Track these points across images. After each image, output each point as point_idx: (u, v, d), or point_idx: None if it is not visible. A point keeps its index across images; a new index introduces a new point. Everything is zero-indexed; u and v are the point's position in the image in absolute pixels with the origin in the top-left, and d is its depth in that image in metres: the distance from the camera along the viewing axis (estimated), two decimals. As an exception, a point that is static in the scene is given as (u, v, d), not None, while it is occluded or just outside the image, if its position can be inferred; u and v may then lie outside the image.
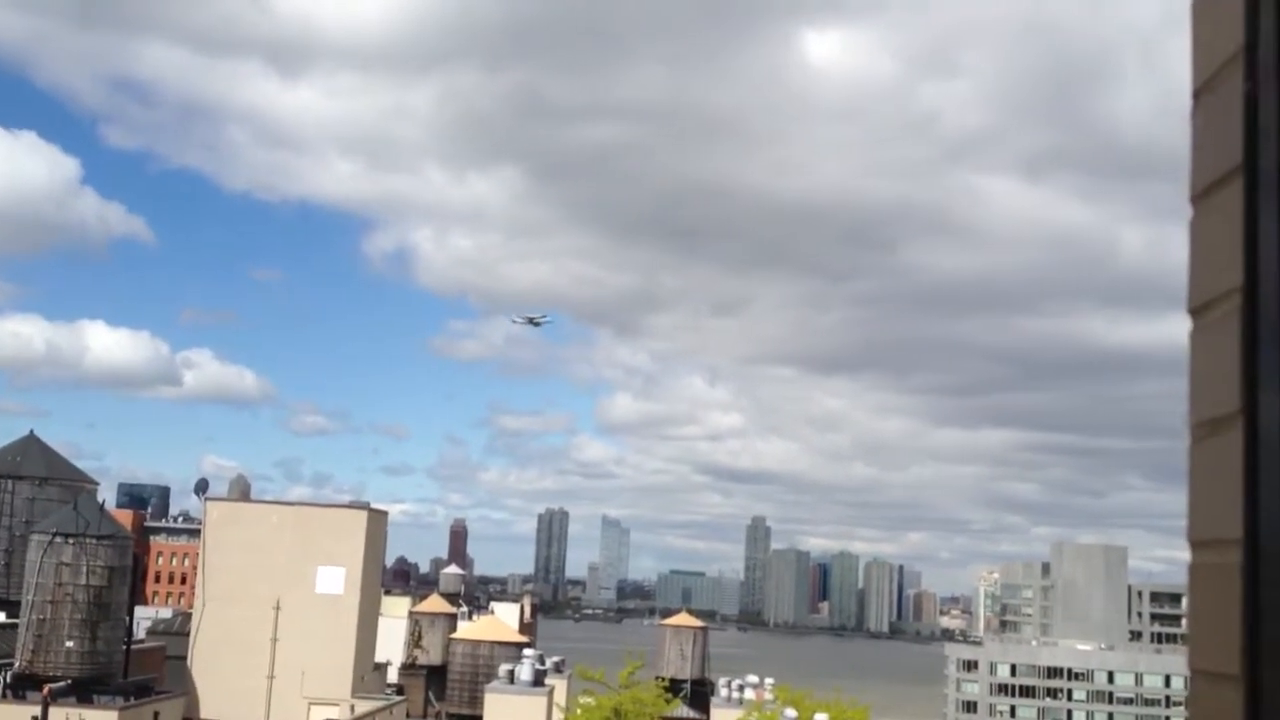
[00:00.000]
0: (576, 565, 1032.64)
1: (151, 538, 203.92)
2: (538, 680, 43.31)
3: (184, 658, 49.92)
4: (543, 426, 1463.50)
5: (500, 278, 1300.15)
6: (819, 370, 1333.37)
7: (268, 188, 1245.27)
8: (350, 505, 56.80)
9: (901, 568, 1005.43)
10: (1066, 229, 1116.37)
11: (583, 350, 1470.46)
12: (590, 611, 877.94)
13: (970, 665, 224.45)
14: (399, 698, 55.02)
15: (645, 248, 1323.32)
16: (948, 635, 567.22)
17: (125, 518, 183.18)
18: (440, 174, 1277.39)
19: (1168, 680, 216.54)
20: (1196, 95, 2.47)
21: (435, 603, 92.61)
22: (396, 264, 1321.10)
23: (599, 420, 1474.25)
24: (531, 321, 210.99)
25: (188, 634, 51.70)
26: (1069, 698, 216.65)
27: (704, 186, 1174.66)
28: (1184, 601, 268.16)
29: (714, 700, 55.81)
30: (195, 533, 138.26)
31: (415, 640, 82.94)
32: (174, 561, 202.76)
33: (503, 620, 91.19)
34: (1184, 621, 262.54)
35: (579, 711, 46.31)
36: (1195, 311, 2.37)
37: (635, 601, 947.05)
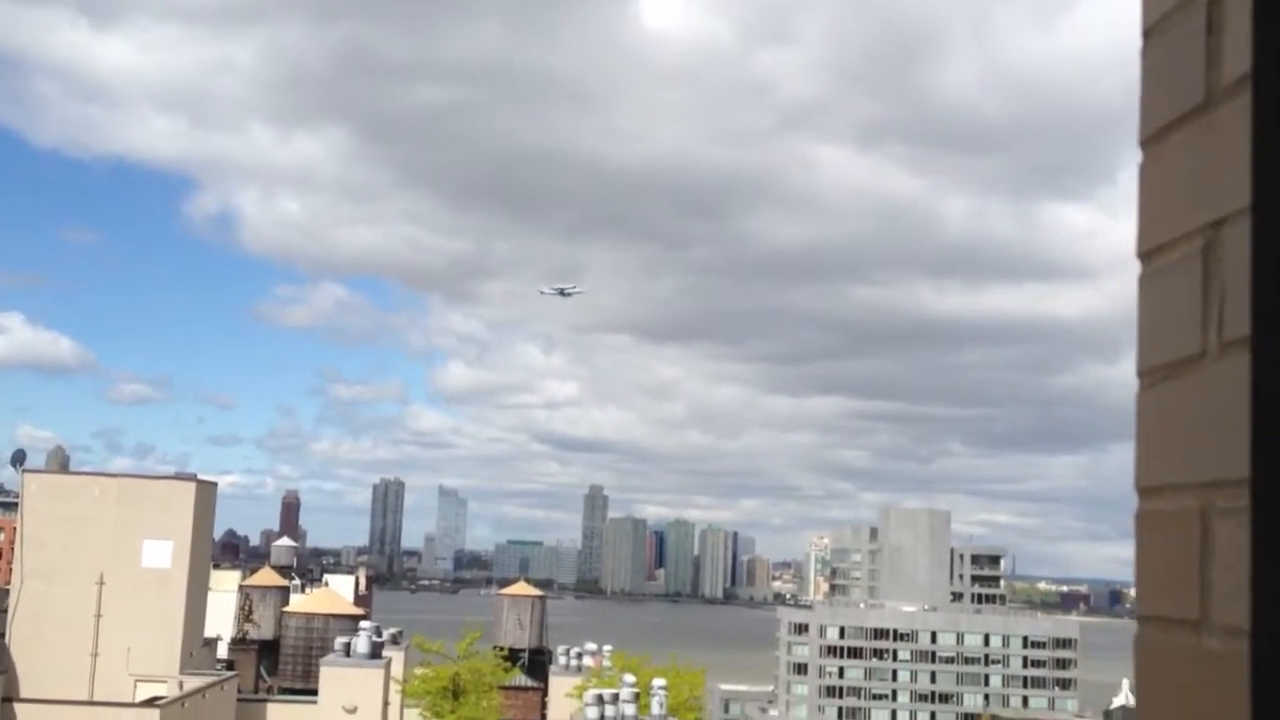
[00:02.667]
0: (413, 536, 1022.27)
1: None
2: (374, 653, 42.90)
3: (1, 635, 47.94)
4: (376, 395, 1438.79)
5: (329, 242, 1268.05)
6: (654, 338, 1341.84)
7: (80, 144, 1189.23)
8: (176, 477, 55.16)
9: (735, 534, 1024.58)
10: (895, 199, 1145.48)
11: (415, 317, 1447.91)
12: (427, 583, 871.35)
13: (801, 628, 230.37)
14: (230, 673, 53.82)
15: (479, 213, 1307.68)
16: (780, 600, 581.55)
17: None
18: (265, 133, 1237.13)
19: (986, 639, 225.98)
20: (1147, 34, 2.39)
21: (267, 576, 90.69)
22: (220, 227, 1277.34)
23: (433, 389, 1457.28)
24: (562, 292, 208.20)
25: (5, 611, 49.64)
26: (894, 658, 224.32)
27: (539, 151, 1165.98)
28: (1002, 563, 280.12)
29: (552, 669, 56.12)
30: (11, 506, 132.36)
31: (246, 614, 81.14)
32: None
33: (337, 593, 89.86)
34: (1002, 583, 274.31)
35: (416, 683, 46.03)
36: (1147, 255, 2.32)
37: (473, 572, 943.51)
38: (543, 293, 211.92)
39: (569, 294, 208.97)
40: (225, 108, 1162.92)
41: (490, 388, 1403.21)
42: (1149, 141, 2.32)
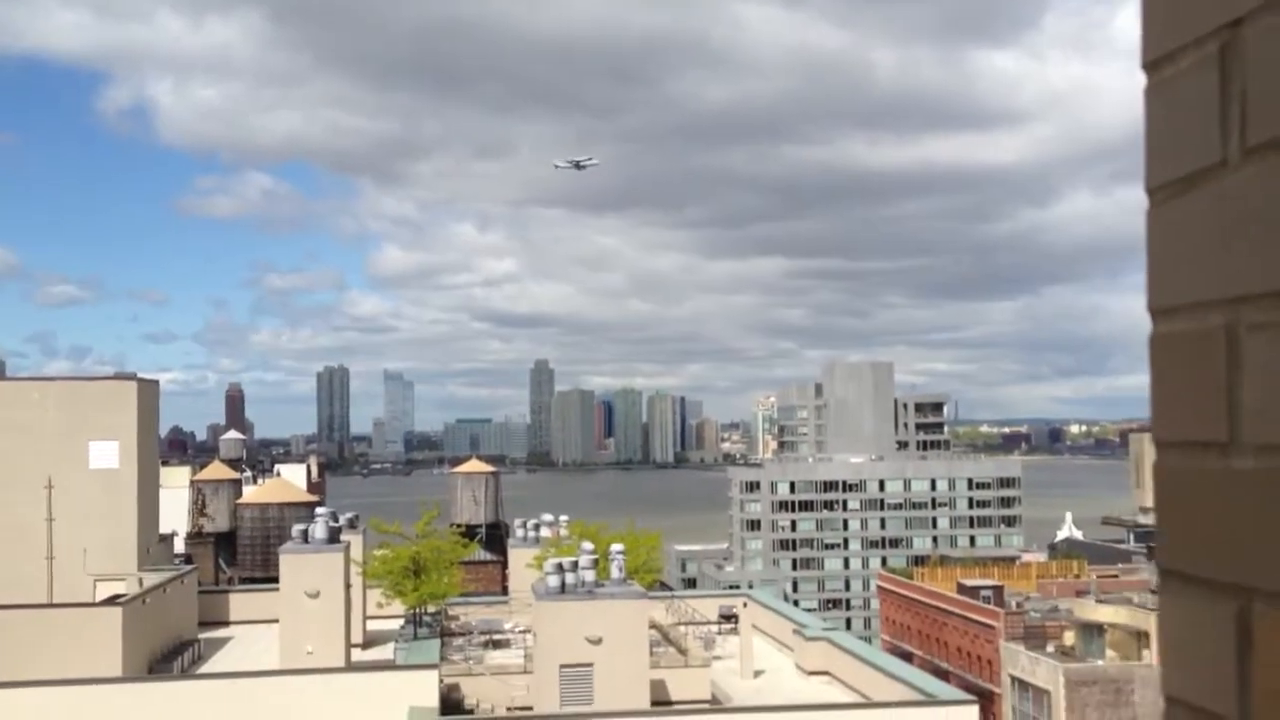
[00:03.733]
0: (361, 422, 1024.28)
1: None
2: (332, 537, 43.03)
3: (-49, 547, 47.65)
4: (311, 283, 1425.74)
5: (250, 129, 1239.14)
6: (589, 210, 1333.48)
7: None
8: (116, 377, 54.40)
9: (683, 399, 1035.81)
10: (822, 52, 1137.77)
11: (344, 202, 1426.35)
12: (379, 466, 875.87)
13: (752, 486, 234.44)
14: (188, 567, 53.94)
15: (403, 92, 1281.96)
16: (730, 460, 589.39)
17: None
18: (176, 20, 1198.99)
19: (933, 484, 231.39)
20: None
21: (217, 469, 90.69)
22: (136, 120, 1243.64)
23: (370, 274, 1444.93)
24: (577, 165, 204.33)
25: (-48, 523, 49.25)
26: (844, 508, 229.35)
27: (460, 24, 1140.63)
28: (944, 410, 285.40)
29: (510, 542, 56.70)
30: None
31: (199, 509, 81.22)
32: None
33: (290, 482, 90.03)
34: (945, 429, 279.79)
35: (376, 564, 46.38)
36: (1153, 65, 2.19)
37: (424, 453, 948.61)
38: (557, 166, 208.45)
39: (584, 166, 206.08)
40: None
41: (427, 269, 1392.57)
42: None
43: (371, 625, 48.72)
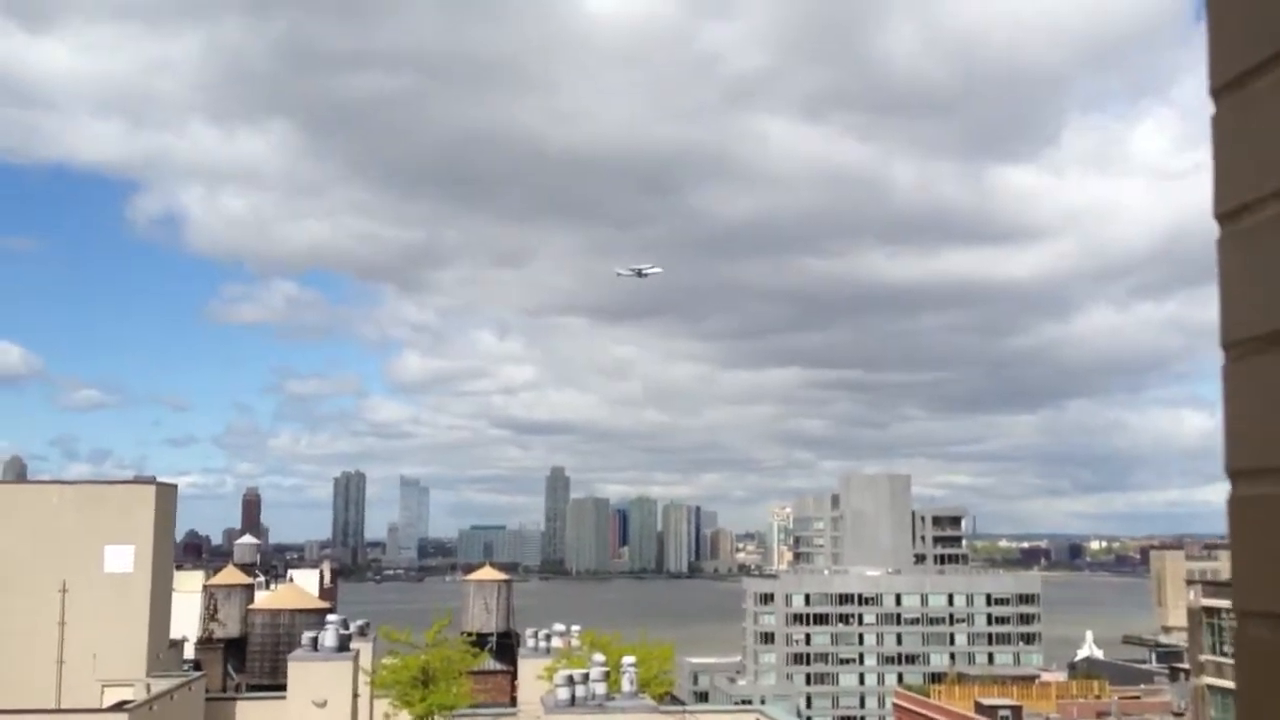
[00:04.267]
0: (376, 527, 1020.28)
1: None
2: (342, 645, 42.91)
3: (-37, 649, 47.62)
4: (332, 389, 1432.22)
5: (277, 238, 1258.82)
6: (608, 319, 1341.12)
7: (16, 150, 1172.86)
8: (135, 480, 54.83)
9: (698, 509, 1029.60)
10: (844, 167, 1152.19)
11: (367, 309, 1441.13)
12: (391, 572, 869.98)
13: (767, 598, 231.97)
14: (197, 673, 53.66)
15: (425, 201, 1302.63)
16: (744, 571, 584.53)
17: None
18: (208, 131, 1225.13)
19: (950, 599, 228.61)
20: None
21: (230, 574, 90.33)
22: (164, 228, 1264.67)
23: (390, 379, 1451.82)
24: (638, 273, 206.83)
25: (-35, 625, 49.29)
26: (860, 622, 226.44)
27: (483, 136, 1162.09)
28: (963, 523, 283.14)
29: (521, 651, 56.28)
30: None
31: (211, 614, 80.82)
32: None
33: (302, 587, 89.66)
34: (964, 543, 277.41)
35: (385, 673, 46.12)
36: (1228, 216, 2.09)
37: (437, 559, 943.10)
38: (619, 274, 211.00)
39: (646, 274, 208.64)
40: (165, 107, 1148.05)
41: (446, 375, 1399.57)
42: (1225, 89, 2.03)
43: (379, 735, 48.23)
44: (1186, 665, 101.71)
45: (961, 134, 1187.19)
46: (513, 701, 57.54)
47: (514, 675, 61.15)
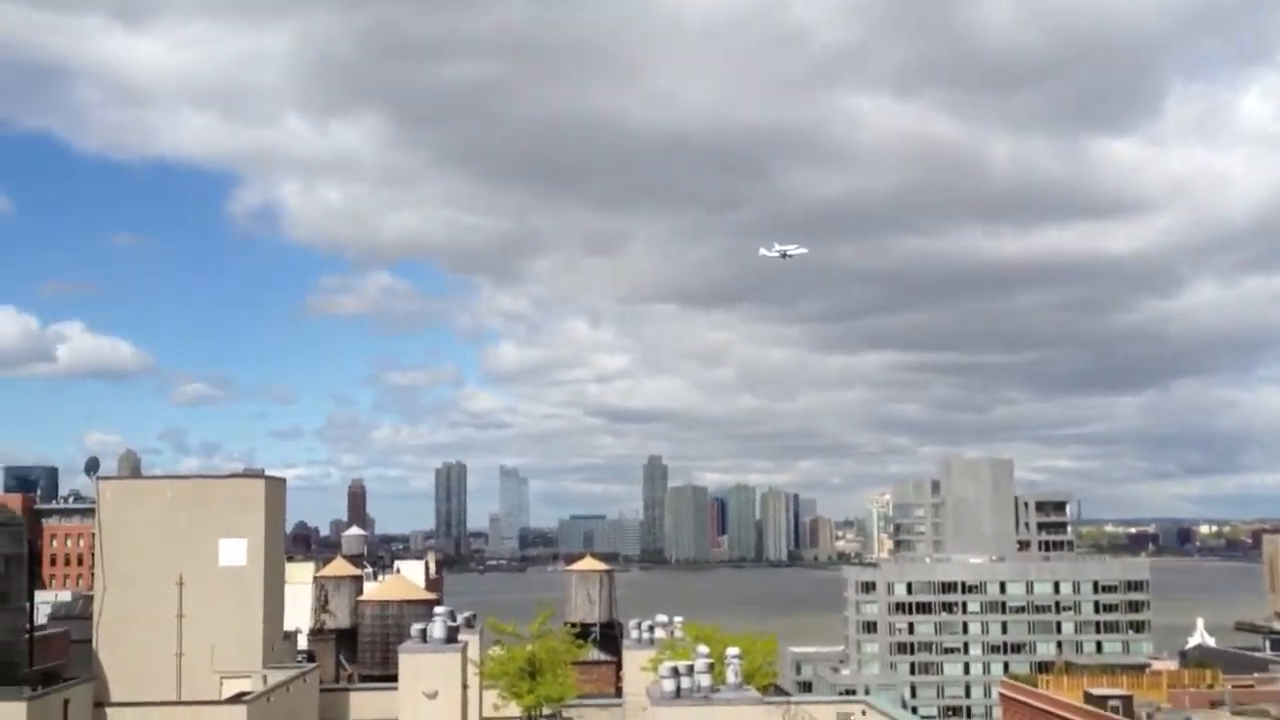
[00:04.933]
0: (477, 517, 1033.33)
1: (43, 520, 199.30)
2: (450, 637, 43.64)
3: (89, 641, 49.16)
4: (429, 380, 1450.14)
5: (372, 228, 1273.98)
6: (700, 304, 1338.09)
7: (122, 147, 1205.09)
8: (244, 474, 56.04)
9: (796, 496, 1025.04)
10: (937, 144, 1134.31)
11: (462, 300, 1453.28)
12: (494, 562, 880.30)
13: (868, 587, 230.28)
14: (311, 665, 54.91)
15: (517, 190, 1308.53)
16: (844, 559, 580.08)
17: (14, 501, 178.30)
18: (302, 123, 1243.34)
19: (1056, 587, 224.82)
20: None
21: (339, 566, 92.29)
22: (263, 221, 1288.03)
23: (485, 370, 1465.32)
24: (783, 254, 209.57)
25: (90, 617, 50.91)
26: (964, 610, 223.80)
27: (573, 122, 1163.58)
28: (1067, 509, 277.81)
29: (625, 642, 56.63)
30: (88, 513, 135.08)
31: (322, 605, 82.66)
32: (69, 543, 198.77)
33: (409, 578, 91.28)
34: (1069, 528, 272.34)
35: (493, 665, 46.77)
36: None
37: (538, 549, 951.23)
38: (764, 254, 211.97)
39: (790, 255, 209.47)
40: (261, 101, 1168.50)
41: (541, 365, 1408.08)
42: None
43: (488, 726, 48.89)
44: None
45: (1058, 106, 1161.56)
46: (618, 692, 57.95)
47: (618, 666, 61.55)
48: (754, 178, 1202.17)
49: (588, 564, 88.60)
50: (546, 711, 46.91)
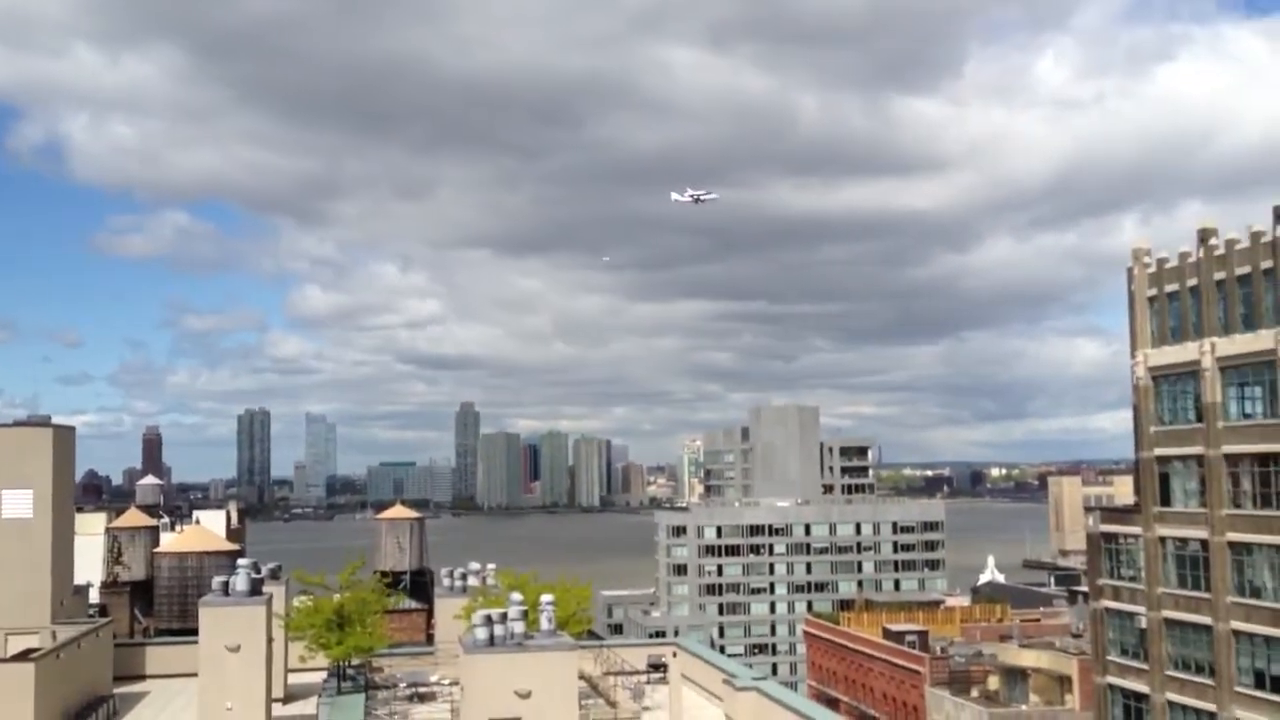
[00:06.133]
0: (282, 465, 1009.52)
1: None
2: (254, 589, 41.95)
3: None
4: (231, 324, 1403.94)
5: (166, 167, 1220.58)
6: (513, 251, 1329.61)
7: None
8: (29, 421, 52.76)
9: (609, 442, 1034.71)
10: (750, 98, 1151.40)
11: (265, 242, 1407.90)
12: (300, 511, 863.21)
13: (679, 530, 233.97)
14: (103, 619, 52.31)
15: (325, 131, 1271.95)
16: (656, 504, 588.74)
17: None
18: (91, 55, 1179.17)
19: (858, 528, 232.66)
20: None
21: (134, 516, 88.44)
22: (48, 156, 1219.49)
23: (290, 314, 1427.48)
24: (696, 199, 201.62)
25: None
26: (770, 552, 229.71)
27: (386, 64, 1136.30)
28: (869, 454, 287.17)
29: (437, 590, 55.79)
30: None
31: (115, 557, 79.07)
32: None
33: (209, 528, 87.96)
34: (870, 472, 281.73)
35: (299, 617, 45.29)
36: None
37: (346, 497, 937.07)
38: (675, 199, 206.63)
39: (703, 201, 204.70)
40: (45, 30, 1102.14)
41: (349, 310, 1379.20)
42: None
43: (294, 679, 47.50)
44: (1084, 588, 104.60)
45: (865, 65, 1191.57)
46: (429, 640, 57.12)
47: (430, 613, 60.68)
48: (568, 126, 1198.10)
49: (398, 511, 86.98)
50: (356, 662, 45.80)
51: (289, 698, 46.20)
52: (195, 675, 41.46)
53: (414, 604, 67.29)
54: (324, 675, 45.81)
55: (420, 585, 74.97)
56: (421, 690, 44.80)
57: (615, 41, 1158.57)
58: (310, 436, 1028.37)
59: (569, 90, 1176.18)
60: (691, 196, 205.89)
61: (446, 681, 44.35)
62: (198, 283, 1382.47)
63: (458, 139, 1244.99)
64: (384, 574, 63.57)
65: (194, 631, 43.51)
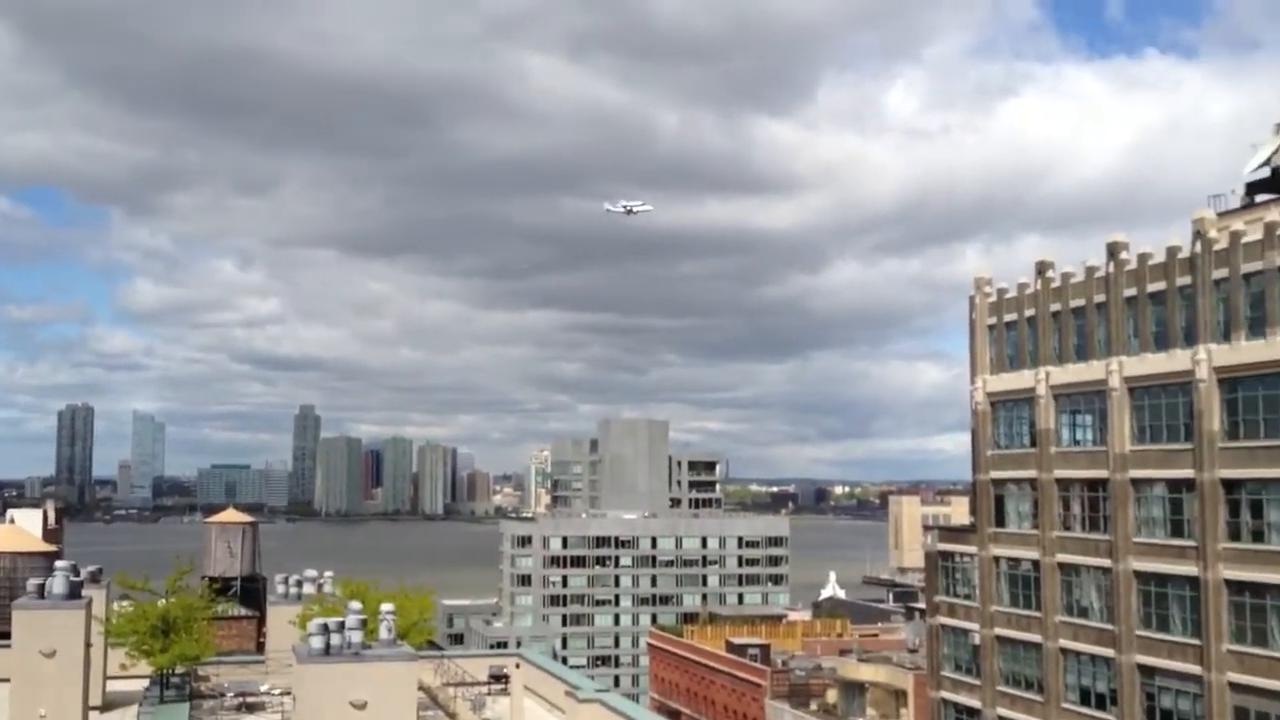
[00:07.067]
0: (107, 464, 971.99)
1: None
2: (73, 593, 39.75)
3: None
4: (53, 315, 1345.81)
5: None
6: (360, 253, 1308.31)
7: None
8: None
9: (455, 450, 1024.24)
10: (608, 110, 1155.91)
11: (93, 232, 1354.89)
12: (123, 512, 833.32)
13: (524, 540, 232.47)
14: (-94, 624, 49.00)
15: (165, 119, 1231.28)
16: (501, 513, 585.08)
17: None
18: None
19: (704, 542, 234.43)
20: None
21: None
22: None
23: (119, 308, 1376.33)
24: (628, 210, 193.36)
25: None
26: (616, 564, 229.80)
27: (234, 53, 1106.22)
28: (717, 469, 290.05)
29: (270, 597, 53.82)
30: None
31: (-77, 557, 74.56)
32: None
33: (23, 528, 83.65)
34: (717, 487, 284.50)
35: (121, 622, 43.09)
36: None
37: (174, 499, 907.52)
38: (608, 210, 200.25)
39: (635, 212, 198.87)
40: None
41: (183, 305, 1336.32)
42: None
43: (114, 687, 45.25)
44: (921, 605, 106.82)
45: (723, 84, 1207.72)
46: (260, 649, 55.10)
47: (261, 621, 58.60)
48: (422, 128, 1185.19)
49: (229, 515, 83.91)
50: (180, 670, 43.81)
51: (107, 706, 43.98)
52: (7, 681, 39.26)
53: (244, 611, 64.89)
54: (146, 684, 43.80)
55: (251, 592, 72.42)
56: (250, 700, 43.07)
57: (474, 45, 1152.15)
58: (137, 435, 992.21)
59: (426, 92, 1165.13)
60: (624, 208, 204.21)
61: (277, 691, 42.73)
62: (18, 272, 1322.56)
63: (307, 135, 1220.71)
64: (213, 580, 61.19)
65: (6, 636, 41.14)
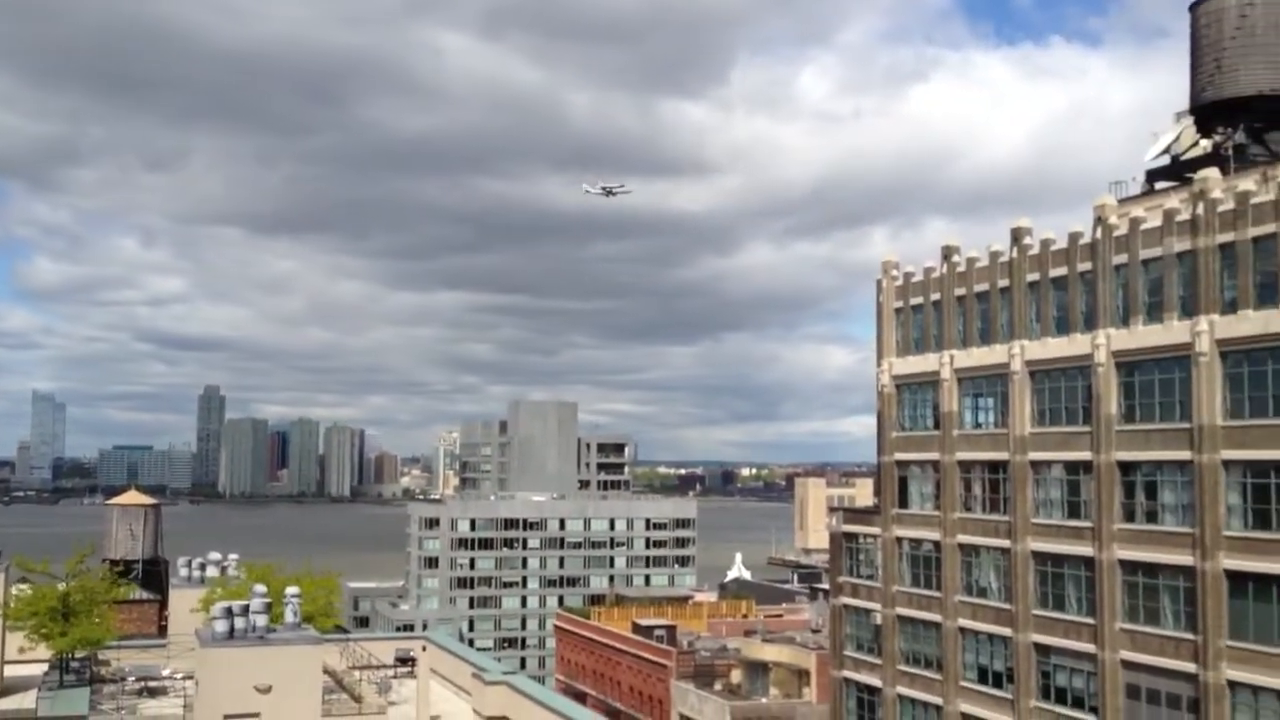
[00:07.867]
0: (4, 445, 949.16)
1: None
2: (-33, 576, 38.97)
3: None
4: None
5: None
6: (267, 231, 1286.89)
7: None
8: None
9: (363, 432, 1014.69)
10: (521, 89, 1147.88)
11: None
12: (22, 494, 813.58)
13: (432, 523, 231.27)
14: None
15: (68, 93, 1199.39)
16: (409, 495, 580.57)
17: None
18: None
19: (612, 524, 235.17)
20: None
21: None
22: None
23: (17, 285, 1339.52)
24: (608, 191, 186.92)
25: None
26: (525, 546, 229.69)
27: (141, 27, 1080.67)
28: (626, 451, 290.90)
29: (172, 581, 53.15)
30: None
31: None
32: None
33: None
34: (626, 469, 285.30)
35: (19, 606, 42.30)
36: None
37: (74, 481, 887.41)
38: (586, 191, 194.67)
39: (615, 193, 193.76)
40: None
41: (84, 283, 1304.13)
42: None
43: (11, 671, 44.43)
44: (825, 585, 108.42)
45: (637, 65, 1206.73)
46: (162, 633, 54.37)
47: (163, 605, 57.81)
48: (332, 106, 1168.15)
49: (131, 497, 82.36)
50: (81, 654, 43.13)
51: (6, 690, 43.23)
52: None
53: (146, 595, 63.88)
54: (45, 668, 43.07)
55: (153, 575, 71.27)
56: (152, 684, 42.55)
57: (386, 21, 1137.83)
58: (36, 415, 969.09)
59: (336, 69, 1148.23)
60: (603, 189, 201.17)
61: (179, 675, 42.27)
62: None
63: (215, 111, 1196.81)
64: (114, 563, 60.15)
65: (-104, 622, 40.11)
